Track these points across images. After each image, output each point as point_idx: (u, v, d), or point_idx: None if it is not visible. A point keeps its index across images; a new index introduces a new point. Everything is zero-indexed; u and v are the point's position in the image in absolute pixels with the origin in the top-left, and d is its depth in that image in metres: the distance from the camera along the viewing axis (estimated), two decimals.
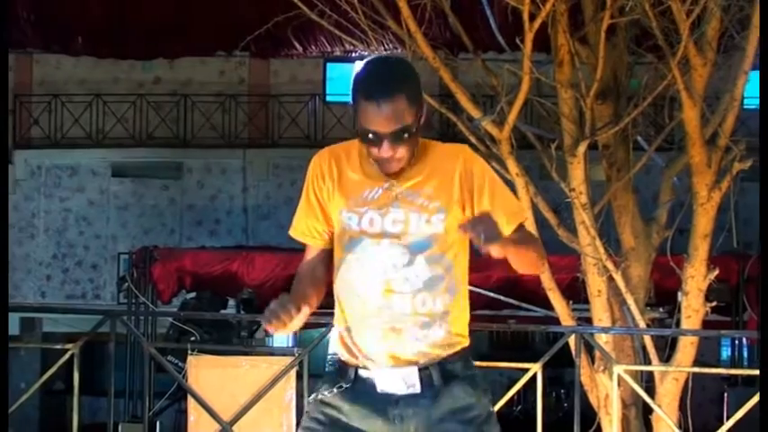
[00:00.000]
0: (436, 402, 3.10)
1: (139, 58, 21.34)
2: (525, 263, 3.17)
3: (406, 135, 3.05)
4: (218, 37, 19.32)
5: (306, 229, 3.27)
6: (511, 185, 7.07)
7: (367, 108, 3.03)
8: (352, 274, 3.14)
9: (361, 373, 3.14)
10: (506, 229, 3.11)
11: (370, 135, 3.04)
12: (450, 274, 3.14)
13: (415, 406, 3.10)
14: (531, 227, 3.30)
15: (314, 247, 3.29)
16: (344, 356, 3.19)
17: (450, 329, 3.13)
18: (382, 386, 3.11)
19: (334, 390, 3.16)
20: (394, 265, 3.10)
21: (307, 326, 3.30)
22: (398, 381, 3.10)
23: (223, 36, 18.69)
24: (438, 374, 3.11)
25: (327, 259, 3.27)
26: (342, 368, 3.19)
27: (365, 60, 3.19)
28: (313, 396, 3.20)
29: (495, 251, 2.91)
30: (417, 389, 3.10)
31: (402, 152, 3.07)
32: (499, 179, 3.23)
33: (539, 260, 3.19)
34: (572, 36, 7.00)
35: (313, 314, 3.25)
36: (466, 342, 3.20)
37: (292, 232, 3.30)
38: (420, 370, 3.10)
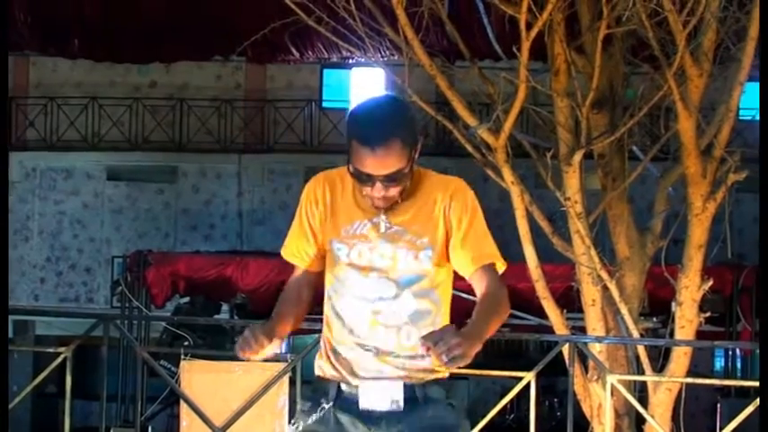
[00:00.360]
0: (419, 419, 3.08)
1: (136, 61, 21.34)
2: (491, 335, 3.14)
3: (398, 178, 3.05)
4: (214, 41, 19.33)
5: (296, 251, 3.27)
6: (506, 193, 7.09)
7: (361, 151, 3.03)
8: (341, 303, 3.15)
9: (344, 387, 3.13)
10: (474, 264, 3.13)
11: (364, 176, 3.04)
12: (437, 309, 3.15)
13: (397, 424, 3.08)
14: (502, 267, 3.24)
15: (300, 270, 3.30)
16: (328, 372, 3.17)
17: (434, 361, 3.09)
18: (365, 403, 3.09)
19: (317, 413, 3.14)
20: (381, 298, 3.10)
21: (300, 331, 3.32)
22: (383, 395, 3.09)
23: (220, 41, 18.71)
24: (422, 394, 3.10)
25: (315, 281, 3.28)
26: (322, 385, 3.18)
27: (361, 102, 3.18)
28: (296, 426, 3.18)
29: (463, 363, 2.85)
30: (401, 406, 3.09)
31: (393, 191, 3.07)
32: (481, 217, 3.19)
33: (499, 325, 3.15)
34: (568, 45, 7.01)
35: (306, 320, 3.27)
36: (446, 372, 3.17)
37: (284, 253, 3.31)
38: (406, 387, 3.09)
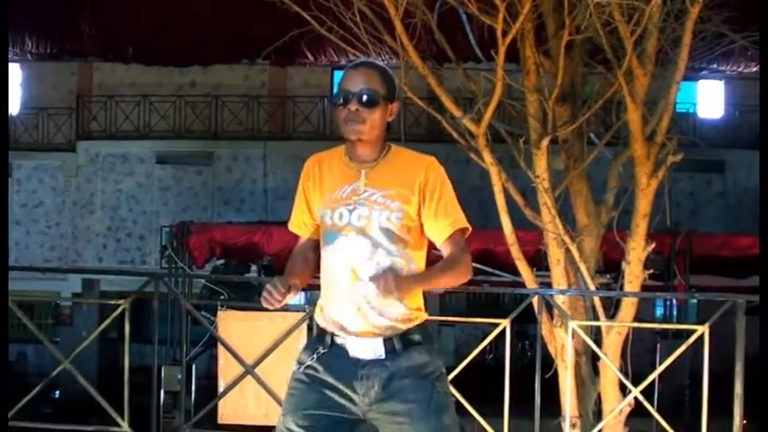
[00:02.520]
0: (396, 362, 3.06)
1: (179, 65, 21.28)
2: (443, 286, 3.17)
3: (373, 98, 3.04)
4: (243, 48, 19.25)
5: (298, 222, 3.27)
6: (486, 172, 7.07)
7: (345, 74, 3.09)
8: (327, 262, 3.12)
9: (336, 339, 3.11)
10: (444, 234, 3.10)
11: (342, 93, 3.05)
12: (409, 265, 3.09)
13: (379, 366, 3.06)
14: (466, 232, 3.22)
15: (303, 237, 3.30)
16: (322, 324, 3.16)
17: (410, 306, 3.09)
18: (353, 352, 3.08)
19: (314, 356, 3.13)
20: (359, 255, 3.06)
21: (315, 287, 3.29)
22: (366, 349, 3.07)
23: (248, 47, 18.61)
24: (400, 343, 3.07)
25: (315, 246, 3.25)
26: (320, 334, 3.17)
27: None
28: (297, 362, 3.18)
29: (393, 297, 2.94)
30: (382, 355, 3.06)
31: (365, 115, 3.05)
32: (451, 190, 3.15)
33: (456, 280, 3.11)
34: (537, 50, 6.97)
35: (317, 277, 3.25)
36: (424, 316, 3.14)
37: (290, 226, 3.32)
38: (384, 340, 3.07)
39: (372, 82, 3.07)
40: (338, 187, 3.13)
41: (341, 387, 3.07)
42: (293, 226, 3.30)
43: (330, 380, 3.08)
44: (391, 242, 3.07)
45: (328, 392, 3.07)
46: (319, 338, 3.17)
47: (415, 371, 3.07)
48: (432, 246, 3.20)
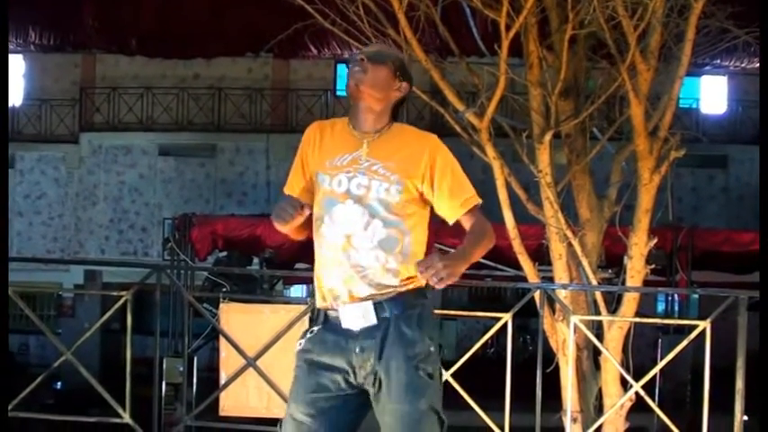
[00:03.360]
0: (387, 337, 3.04)
1: (182, 57, 21.25)
2: (479, 257, 3.14)
3: (380, 56, 3.09)
4: (247, 40, 19.24)
5: (294, 185, 3.24)
6: (489, 167, 7.06)
7: (359, 49, 3.16)
8: (322, 228, 3.11)
9: (330, 314, 3.11)
10: (459, 212, 3.12)
11: (353, 57, 3.10)
12: (405, 240, 3.08)
13: (372, 338, 3.04)
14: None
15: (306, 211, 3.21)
16: (318, 303, 3.16)
17: (401, 277, 3.08)
18: (345, 323, 3.07)
19: (308, 335, 3.14)
20: (355, 223, 3.05)
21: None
22: (358, 315, 3.05)
23: (251, 40, 18.61)
24: (390, 307, 3.05)
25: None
26: (316, 314, 3.18)
27: None
28: (297, 348, 3.18)
29: (452, 280, 2.90)
30: (374, 321, 3.04)
31: (369, 67, 3.08)
32: (458, 167, 3.18)
33: (488, 248, 3.14)
34: (541, 44, 6.97)
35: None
36: (418, 283, 3.09)
37: (287, 188, 3.27)
38: (375, 305, 3.05)
39: (383, 48, 3.19)
40: (338, 154, 3.12)
41: (338, 364, 3.07)
42: (288, 187, 3.27)
43: (326, 359, 3.08)
44: (388, 213, 3.06)
45: (326, 373, 3.07)
46: (314, 319, 3.19)
47: (401, 350, 3.04)
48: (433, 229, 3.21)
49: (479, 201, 3.18)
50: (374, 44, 3.27)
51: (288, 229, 3.12)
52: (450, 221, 3.17)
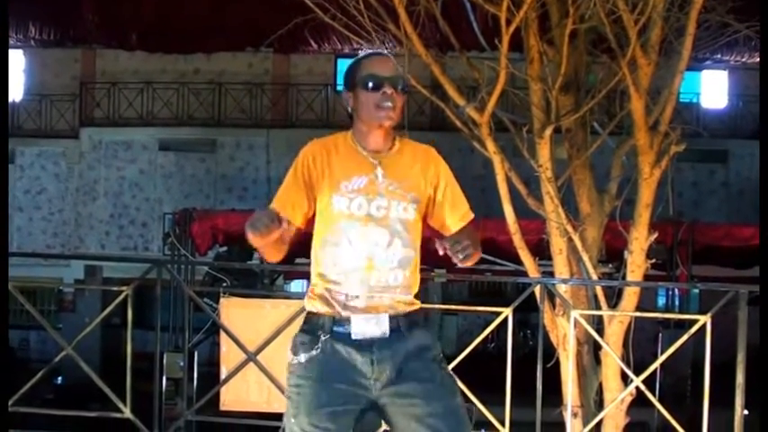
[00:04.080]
0: (404, 344, 3.05)
1: (182, 52, 21.28)
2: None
3: (405, 86, 3.07)
4: (247, 35, 19.26)
5: (288, 204, 3.12)
6: (489, 161, 7.06)
7: (372, 59, 3.09)
8: (339, 251, 3.06)
9: (337, 321, 3.05)
10: (459, 224, 3.17)
11: (374, 78, 3.04)
12: (416, 255, 3.12)
13: (388, 349, 3.04)
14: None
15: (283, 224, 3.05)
16: (322, 309, 3.09)
17: (411, 294, 3.12)
18: (357, 331, 3.03)
19: (317, 344, 3.07)
20: (377, 245, 3.05)
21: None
22: (372, 325, 3.04)
23: (251, 35, 18.65)
24: (405, 322, 3.08)
25: (293, 234, 3.15)
26: (317, 321, 3.08)
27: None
28: (297, 358, 3.09)
29: (471, 261, 2.97)
30: (386, 332, 3.04)
31: (397, 100, 3.06)
32: (455, 181, 3.22)
33: (478, 257, 3.13)
34: (541, 38, 6.95)
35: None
36: (419, 304, 3.18)
37: (275, 205, 3.12)
38: (390, 318, 3.06)
39: (399, 71, 3.12)
40: (354, 176, 3.09)
41: (350, 375, 3.03)
42: (280, 206, 3.10)
43: (337, 370, 3.03)
44: (406, 232, 3.09)
45: (338, 385, 3.03)
46: (316, 325, 3.09)
47: (423, 353, 3.08)
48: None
49: (471, 213, 3.24)
50: (385, 57, 3.14)
51: (263, 243, 2.98)
52: (447, 233, 3.18)
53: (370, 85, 3.05)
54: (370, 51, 3.22)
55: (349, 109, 3.16)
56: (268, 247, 3.08)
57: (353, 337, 3.04)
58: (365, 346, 3.04)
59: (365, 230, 3.05)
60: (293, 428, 3.06)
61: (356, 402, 3.04)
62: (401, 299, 3.08)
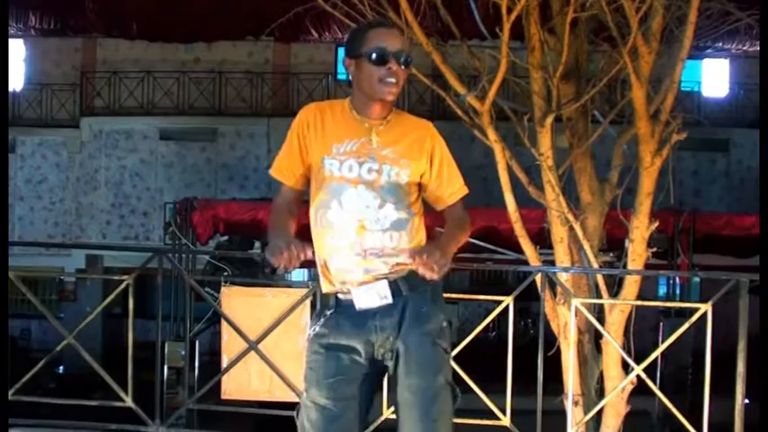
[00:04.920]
0: (404, 314, 3.07)
1: (183, 41, 21.24)
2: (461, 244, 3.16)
3: (410, 61, 3.06)
4: (247, 24, 19.21)
5: (285, 169, 3.20)
6: (490, 150, 7.05)
7: (378, 30, 3.06)
8: (331, 213, 3.09)
9: (341, 296, 3.11)
10: (451, 199, 3.20)
11: (381, 51, 3.02)
12: (411, 220, 3.12)
13: (390, 316, 3.07)
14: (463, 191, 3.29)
15: (286, 188, 3.22)
16: (326, 288, 3.16)
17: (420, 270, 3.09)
18: (360, 303, 3.07)
19: (321, 320, 3.14)
20: (367, 207, 3.06)
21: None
22: (373, 295, 3.07)
23: (252, 23, 18.59)
24: (405, 285, 3.07)
25: (298, 198, 3.23)
26: (324, 299, 3.18)
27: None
28: (308, 334, 3.18)
29: (438, 275, 2.92)
30: (390, 299, 3.07)
31: (401, 77, 3.07)
32: (451, 157, 3.23)
33: (466, 237, 3.17)
34: (542, 27, 6.94)
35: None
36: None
37: (273, 172, 3.22)
38: (390, 283, 3.07)
39: (405, 44, 3.10)
40: (346, 139, 3.11)
41: (356, 345, 3.09)
42: (277, 172, 3.21)
43: (344, 341, 3.09)
44: (399, 197, 3.09)
45: (345, 355, 3.08)
46: (324, 304, 3.18)
47: (419, 326, 3.08)
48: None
49: (465, 189, 3.25)
50: (392, 28, 3.11)
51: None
52: (439, 208, 3.22)
53: (376, 58, 3.03)
54: (378, 20, 3.23)
55: (349, 76, 3.15)
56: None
57: (357, 307, 3.08)
58: (369, 314, 3.08)
59: (355, 192, 3.07)
60: (304, 401, 3.13)
61: (362, 371, 3.10)
62: (399, 260, 3.07)
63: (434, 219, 3.34)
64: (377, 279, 3.06)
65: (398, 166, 3.09)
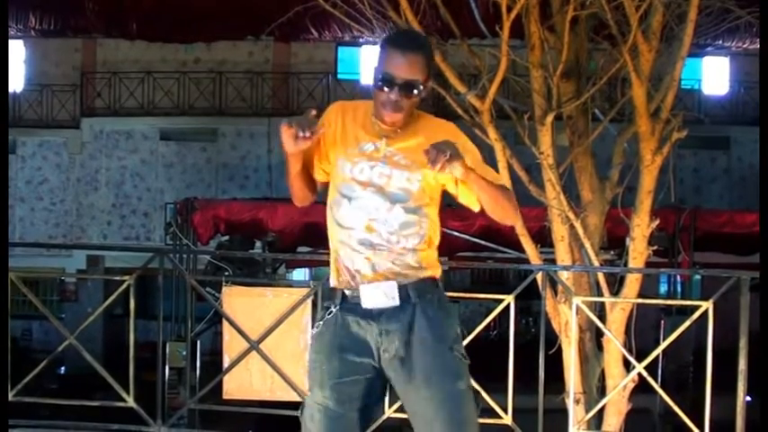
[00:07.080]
0: (413, 317, 3.05)
1: (183, 41, 21.21)
2: (499, 207, 3.07)
3: (413, 90, 3.02)
4: (247, 24, 19.18)
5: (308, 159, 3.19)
6: (490, 149, 7.05)
7: (392, 54, 3.01)
8: (342, 211, 3.10)
9: (347, 293, 3.09)
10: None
11: (387, 77, 3.00)
12: (421, 223, 3.09)
13: (397, 321, 3.04)
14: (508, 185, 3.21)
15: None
16: (334, 282, 3.15)
17: (420, 260, 3.09)
18: (366, 302, 3.06)
19: (325, 316, 3.13)
20: (376, 209, 3.06)
21: (320, 263, 3.28)
22: (380, 294, 3.05)
23: (252, 23, 18.55)
24: (414, 292, 3.06)
25: (314, 184, 3.24)
26: (330, 294, 3.17)
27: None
28: (312, 332, 3.18)
29: (459, 171, 2.88)
30: (397, 301, 3.05)
31: (404, 104, 3.04)
32: (478, 154, 3.15)
33: (513, 210, 3.09)
34: (542, 25, 6.94)
35: (326, 252, 3.23)
36: (437, 271, 3.14)
37: None
38: (399, 287, 3.05)
39: (415, 71, 3.01)
40: (361, 141, 3.11)
41: (360, 346, 3.07)
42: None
43: (347, 341, 3.07)
44: (409, 201, 3.08)
45: (349, 356, 3.06)
46: (329, 298, 3.17)
47: (432, 332, 3.05)
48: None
49: (502, 180, 3.16)
50: (407, 53, 3.03)
51: (296, 165, 3.09)
52: (476, 208, 3.13)
53: (381, 83, 3.03)
54: (403, 39, 3.15)
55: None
56: (298, 182, 3.17)
57: (364, 306, 3.06)
58: (375, 315, 3.06)
59: (365, 194, 3.07)
60: (308, 401, 3.13)
61: (364, 372, 3.07)
62: (409, 263, 3.07)
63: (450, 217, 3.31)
64: (386, 278, 3.06)
65: (409, 170, 3.08)
